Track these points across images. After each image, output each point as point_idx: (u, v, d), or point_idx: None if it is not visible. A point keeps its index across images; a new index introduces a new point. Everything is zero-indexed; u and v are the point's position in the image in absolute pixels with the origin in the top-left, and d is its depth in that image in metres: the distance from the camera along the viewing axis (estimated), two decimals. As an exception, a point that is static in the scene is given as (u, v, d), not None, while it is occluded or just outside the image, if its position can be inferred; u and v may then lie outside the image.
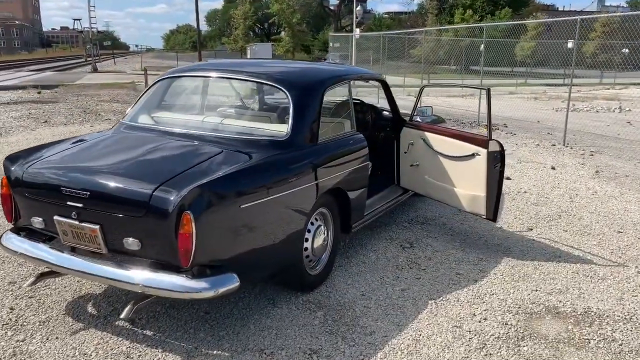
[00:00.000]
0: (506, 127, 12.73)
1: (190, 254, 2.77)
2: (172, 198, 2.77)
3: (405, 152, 5.06)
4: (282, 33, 38.21)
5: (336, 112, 4.57)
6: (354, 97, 5.68)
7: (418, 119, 5.19)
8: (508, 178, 7.31)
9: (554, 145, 10.27)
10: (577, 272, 4.23)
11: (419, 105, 5.23)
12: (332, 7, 62.52)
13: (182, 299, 3.31)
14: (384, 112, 5.36)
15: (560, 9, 74.36)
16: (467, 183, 4.48)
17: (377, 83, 5.11)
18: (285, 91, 3.69)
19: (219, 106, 4.12)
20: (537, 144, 10.37)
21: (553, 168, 8.14)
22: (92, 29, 32.72)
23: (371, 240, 4.80)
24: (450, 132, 4.62)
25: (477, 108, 13.70)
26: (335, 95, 4.55)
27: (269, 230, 3.23)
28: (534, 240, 4.95)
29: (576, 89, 23.15)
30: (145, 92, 4.20)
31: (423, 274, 4.13)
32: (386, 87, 4.99)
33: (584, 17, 10.82)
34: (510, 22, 18.15)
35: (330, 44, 23.79)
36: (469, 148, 4.39)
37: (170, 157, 3.32)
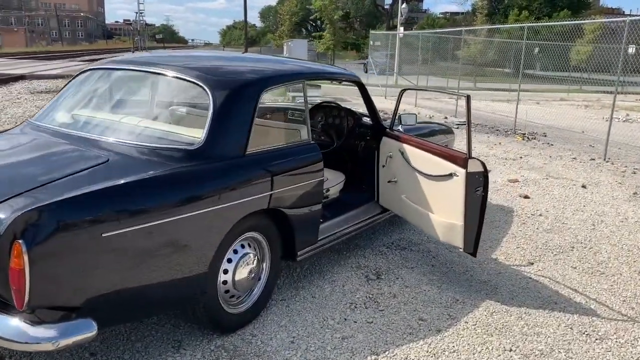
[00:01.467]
0: (545, 136, 11.68)
1: (24, 293, 2.17)
2: (3, 220, 2.18)
3: (383, 166, 4.34)
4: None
5: (287, 118, 3.91)
6: (329, 101, 5.01)
7: (400, 128, 4.45)
8: (526, 197, 6.44)
9: (593, 159, 9.22)
10: (570, 327, 3.41)
11: (400, 112, 4.48)
12: (386, 7, 61.45)
13: (17, 350, 2.58)
14: (365, 119, 4.64)
15: (627, 12, 70.62)
16: (444, 208, 3.73)
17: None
18: (206, 89, 3.04)
19: (129, 105, 3.52)
20: (574, 157, 9.35)
21: (584, 186, 7.18)
22: (141, 22, 33.02)
23: (333, 268, 4.11)
24: (428, 146, 3.87)
25: (520, 114, 12.63)
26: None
27: (153, 263, 2.59)
28: (530, 278, 4.14)
29: (634, 97, 21.53)
30: (64, 86, 3.65)
31: (378, 317, 3.41)
32: (363, 89, 4.27)
33: (635, 18, 9.68)
34: (546, 23, 16.87)
35: (371, 42, 22.97)
36: (446, 167, 3.64)
37: (40, 167, 2.73)
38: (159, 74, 3.27)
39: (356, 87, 4.26)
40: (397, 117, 4.46)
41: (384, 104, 16.36)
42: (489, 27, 22.12)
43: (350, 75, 4.28)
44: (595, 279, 4.18)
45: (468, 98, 3.54)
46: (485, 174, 3.53)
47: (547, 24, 16.39)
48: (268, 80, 3.31)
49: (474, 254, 3.69)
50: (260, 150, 3.20)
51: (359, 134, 4.64)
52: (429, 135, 5.00)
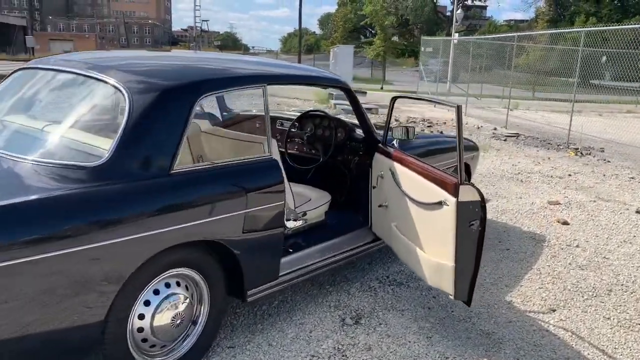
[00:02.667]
0: (602, 151, 10.58)
1: None
2: None
3: (374, 187, 3.68)
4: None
5: (242, 128, 3.34)
6: (317, 110, 4.40)
7: (394, 143, 3.76)
8: (565, 223, 5.58)
9: (655, 180, 8.15)
10: (587, 406, 2.65)
11: (394, 123, 3.81)
12: (447, 14, 60.00)
13: None
14: (358, 131, 3.99)
15: None
16: (432, 244, 3.03)
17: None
18: (124, 93, 2.50)
19: (35, 109, 3.00)
20: (632, 177, 8.29)
21: (638, 212, 6.22)
22: (197, 28, 33.36)
23: (307, 306, 3.47)
24: (418, 166, 3.18)
25: (577, 127, 11.55)
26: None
27: (33, 305, 2.07)
28: (547, 330, 3.36)
29: None
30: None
31: (339, 378, 2.76)
32: (350, 95, 3.64)
33: None
34: (602, 28, 15.47)
35: (422, 49, 22.06)
36: (435, 193, 2.95)
37: None
38: (78, 74, 2.75)
39: (344, 93, 3.64)
40: (397, 129, 3.77)
41: (433, 113, 15.55)
42: (543, 32, 20.85)
43: (334, 79, 3.65)
44: (632, 336, 3.36)
45: (458, 108, 2.85)
46: (482, 204, 2.82)
47: (603, 28, 15.09)
48: (206, 84, 2.72)
49: (468, 303, 2.97)
50: (194, 168, 2.63)
51: (351, 148, 3.99)
52: (437, 153, 4.30)
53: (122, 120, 2.42)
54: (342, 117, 4.52)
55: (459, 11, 23.46)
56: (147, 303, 2.49)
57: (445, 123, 13.44)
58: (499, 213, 5.84)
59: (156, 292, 2.53)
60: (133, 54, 3.56)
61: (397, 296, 3.69)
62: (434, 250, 3.00)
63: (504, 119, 14.07)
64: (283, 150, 4.13)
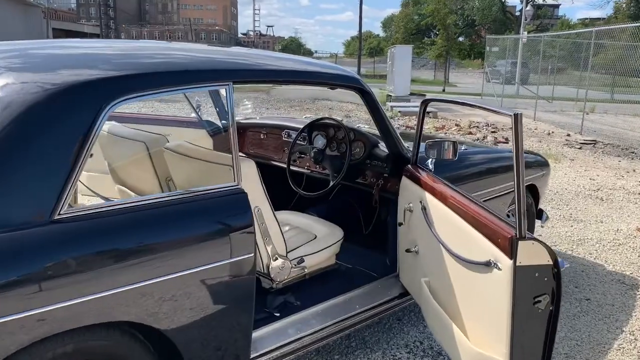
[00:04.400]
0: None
1: None
2: None
3: (401, 224, 2.68)
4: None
5: (216, 144, 2.41)
6: (326, 118, 3.43)
7: (429, 164, 2.72)
8: (663, 259, 4.35)
9: None
10: None
11: (435, 136, 2.77)
12: (516, 13, 57.31)
13: None
14: (381, 145, 2.99)
15: None
16: (476, 326, 2.01)
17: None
18: None
19: None
20: None
21: None
22: (256, 32, 32.99)
23: (303, 390, 2.52)
24: (457, 200, 2.16)
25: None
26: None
27: None
28: None
29: None
30: None
31: None
32: (368, 99, 2.64)
33: None
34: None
35: (487, 48, 20.50)
36: (480, 246, 1.94)
37: None
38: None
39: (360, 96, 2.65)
40: (432, 145, 2.72)
41: (497, 117, 14.15)
42: (626, 25, 18.91)
43: (341, 76, 2.64)
44: None
45: (516, 117, 1.81)
46: (554, 269, 1.78)
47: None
48: (120, 84, 1.78)
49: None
50: (99, 210, 1.73)
51: (372, 169, 3.00)
52: (492, 173, 3.24)
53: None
54: (365, 127, 3.53)
55: (528, 8, 21.81)
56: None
57: (496, 129, 12.11)
58: (574, 244, 4.67)
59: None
60: (45, 44, 2.57)
61: (432, 375, 2.67)
62: (478, 335, 1.98)
63: (579, 123, 12.52)
64: (285, 165, 3.22)
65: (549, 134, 11.88)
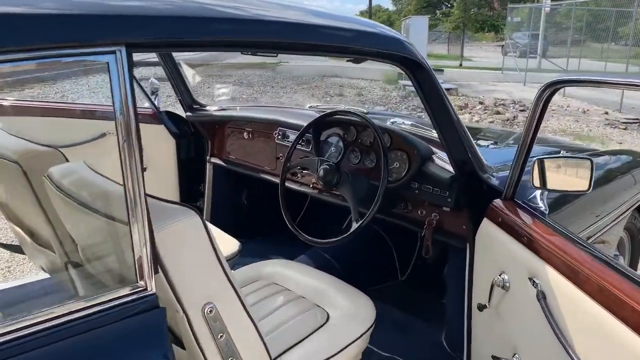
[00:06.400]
0: None
1: None
2: None
3: (484, 307, 1.55)
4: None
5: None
6: (341, 110, 2.20)
7: (538, 197, 1.54)
8: None
9: None
10: None
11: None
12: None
13: None
14: (437, 157, 1.86)
15: None
16: None
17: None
18: None
19: None
20: None
21: None
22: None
23: None
24: (620, 285, 1.05)
25: None
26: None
27: None
28: None
29: None
30: None
31: None
32: (424, 79, 1.50)
33: None
34: None
35: (509, 18, 19.01)
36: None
37: None
38: None
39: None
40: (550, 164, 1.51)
41: (523, 93, 12.88)
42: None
43: (386, 35, 1.46)
44: None
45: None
46: None
47: None
48: None
49: None
50: None
51: (422, 196, 1.86)
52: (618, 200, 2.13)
53: None
54: (405, 123, 2.32)
55: (551, -26, 20.23)
56: None
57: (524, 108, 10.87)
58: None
59: None
60: None
61: None
62: None
63: (615, 100, 11.22)
64: (279, 180, 2.10)
65: (584, 112, 10.67)
